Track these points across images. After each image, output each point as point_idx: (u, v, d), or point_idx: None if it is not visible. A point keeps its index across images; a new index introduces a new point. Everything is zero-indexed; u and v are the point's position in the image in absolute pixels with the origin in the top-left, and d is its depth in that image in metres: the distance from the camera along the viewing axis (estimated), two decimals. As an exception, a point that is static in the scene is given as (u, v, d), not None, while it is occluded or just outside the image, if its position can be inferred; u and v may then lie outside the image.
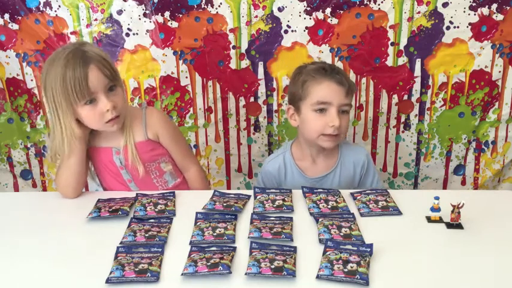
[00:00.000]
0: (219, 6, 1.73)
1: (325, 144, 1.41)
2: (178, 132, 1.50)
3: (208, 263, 0.93)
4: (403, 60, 1.80)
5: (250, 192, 1.29)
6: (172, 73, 1.83)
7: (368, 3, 1.72)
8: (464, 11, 1.71)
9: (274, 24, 1.76)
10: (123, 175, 1.41)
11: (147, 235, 1.07)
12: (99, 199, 1.27)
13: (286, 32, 1.77)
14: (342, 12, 1.73)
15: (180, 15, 1.75)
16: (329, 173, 1.47)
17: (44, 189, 2.07)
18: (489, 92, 1.84)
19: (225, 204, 1.20)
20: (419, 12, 1.72)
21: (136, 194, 1.29)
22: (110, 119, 1.28)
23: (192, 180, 1.50)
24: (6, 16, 1.77)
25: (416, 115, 1.89)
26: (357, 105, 1.88)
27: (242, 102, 1.90)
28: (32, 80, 1.87)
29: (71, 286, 0.94)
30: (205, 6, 1.74)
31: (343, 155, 1.49)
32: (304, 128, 1.43)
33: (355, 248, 0.98)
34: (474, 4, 1.70)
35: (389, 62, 1.80)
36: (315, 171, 1.48)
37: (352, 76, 1.82)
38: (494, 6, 1.70)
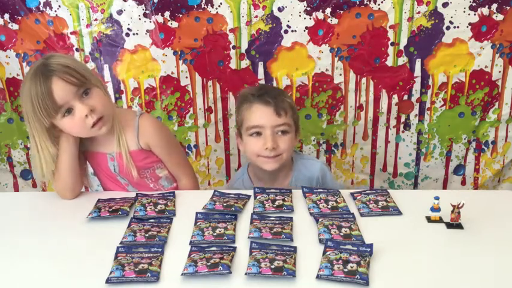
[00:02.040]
0: (219, 6, 1.73)
1: (266, 166, 1.40)
2: (171, 141, 1.45)
3: (208, 263, 0.93)
4: (403, 60, 1.80)
5: (250, 192, 1.29)
6: (172, 73, 1.83)
7: (368, 3, 1.71)
8: (464, 11, 1.71)
9: (274, 24, 1.76)
10: (119, 180, 1.41)
11: (147, 235, 1.07)
12: (99, 199, 1.27)
13: (286, 32, 1.76)
14: (342, 12, 1.73)
15: (180, 15, 1.75)
16: None
17: (44, 189, 2.07)
18: (489, 92, 1.83)
19: (225, 204, 1.20)
20: (419, 12, 1.72)
21: (137, 194, 1.29)
22: (93, 123, 1.24)
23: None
24: (6, 16, 1.77)
25: (416, 115, 1.89)
26: (357, 105, 1.88)
27: (242, 102, 1.90)
28: (32, 80, 1.87)
29: (71, 286, 0.94)
30: (205, 6, 1.73)
31: (297, 172, 1.48)
32: (246, 151, 1.45)
33: (355, 248, 0.98)
34: (474, 4, 1.69)
35: (389, 62, 1.80)
36: None
37: (352, 76, 1.83)
38: (494, 6, 1.69)
